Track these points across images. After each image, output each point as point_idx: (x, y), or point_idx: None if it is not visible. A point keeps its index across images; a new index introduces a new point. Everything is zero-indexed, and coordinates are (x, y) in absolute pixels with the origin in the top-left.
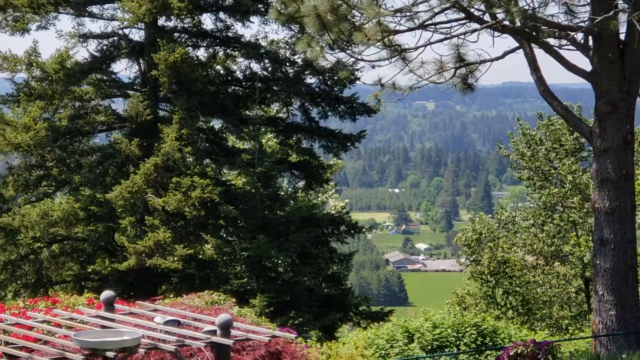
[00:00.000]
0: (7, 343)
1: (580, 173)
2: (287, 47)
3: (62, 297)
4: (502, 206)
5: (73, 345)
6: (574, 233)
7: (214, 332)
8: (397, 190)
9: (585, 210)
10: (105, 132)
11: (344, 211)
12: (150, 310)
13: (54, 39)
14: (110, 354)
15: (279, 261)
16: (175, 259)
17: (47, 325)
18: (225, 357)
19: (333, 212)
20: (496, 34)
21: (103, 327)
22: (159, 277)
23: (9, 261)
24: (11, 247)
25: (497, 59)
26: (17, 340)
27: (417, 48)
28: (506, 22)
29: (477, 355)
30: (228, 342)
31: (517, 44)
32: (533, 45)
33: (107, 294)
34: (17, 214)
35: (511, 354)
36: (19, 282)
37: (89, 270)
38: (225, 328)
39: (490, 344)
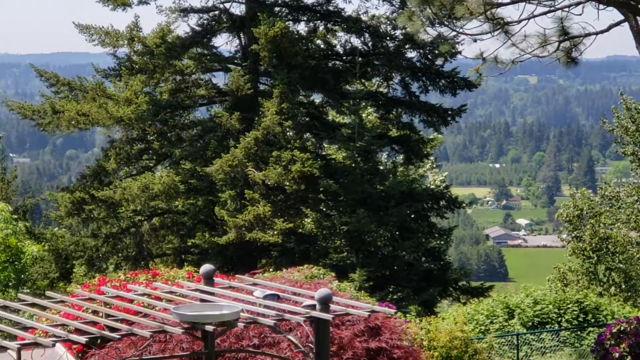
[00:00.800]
0: (108, 315)
1: None
2: (388, 22)
3: (162, 270)
4: (605, 182)
5: (173, 319)
6: None
7: (313, 307)
8: (497, 165)
9: None
10: (205, 106)
11: (444, 185)
12: (250, 284)
13: (154, 14)
14: (209, 328)
15: (379, 235)
16: (275, 232)
17: (147, 298)
18: (325, 332)
19: (432, 186)
20: (601, 6)
21: (202, 300)
22: (259, 251)
23: (110, 234)
24: (112, 220)
25: (602, 32)
26: (117, 312)
27: (520, 21)
28: None
29: (579, 332)
30: (327, 316)
31: (622, 17)
32: (639, 18)
33: (206, 267)
34: (119, 187)
35: (614, 331)
36: (120, 254)
37: (189, 243)
38: (325, 303)
39: (592, 320)
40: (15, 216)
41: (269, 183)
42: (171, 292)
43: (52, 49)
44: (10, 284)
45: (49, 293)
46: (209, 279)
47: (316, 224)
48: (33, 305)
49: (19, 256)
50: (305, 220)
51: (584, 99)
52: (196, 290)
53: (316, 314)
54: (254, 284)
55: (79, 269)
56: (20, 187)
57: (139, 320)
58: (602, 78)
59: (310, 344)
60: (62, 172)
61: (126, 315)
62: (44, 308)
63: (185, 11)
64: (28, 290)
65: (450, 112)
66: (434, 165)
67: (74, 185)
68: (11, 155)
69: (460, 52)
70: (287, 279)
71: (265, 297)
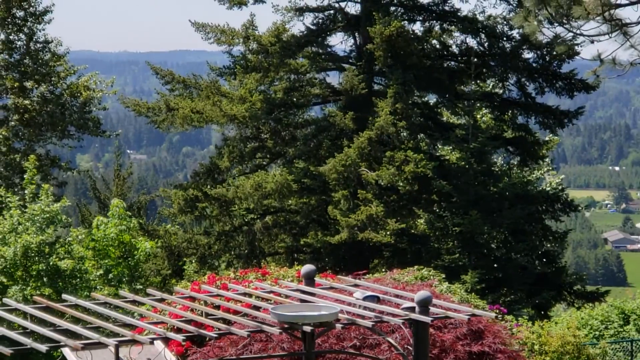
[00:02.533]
0: (207, 314)
1: None
2: (504, 22)
3: (272, 269)
4: None
5: (271, 319)
6: None
7: (412, 309)
8: (617, 168)
9: None
10: (319, 105)
11: (560, 188)
12: (351, 285)
13: (270, 12)
14: (307, 328)
15: (491, 237)
16: (387, 233)
17: (247, 298)
18: (424, 335)
19: (548, 188)
20: None
21: (302, 301)
22: (371, 251)
23: (223, 232)
24: (225, 218)
25: None
26: (217, 312)
27: (639, 23)
28: None
29: None
30: (426, 319)
31: None
32: None
33: (307, 268)
34: (232, 185)
35: None
36: (232, 252)
37: (301, 242)
38: (424, 305)
39: None
40: (130, 213)
41: (382, 183)
42: (271, 292)
43: (170, 47)
44: (124, 279)
45: (149, 291)
46: (309, 279)
47: (428, 224)
48: (133, 302)
49: (132, 252)
50: (418, 221)
51: None
52: (297, 290)
53: (415, 316)
54: (355, 285)
55: (190, 265)
56: (136, 183)
57: (238, 320)
58: None
59: (409, 347)
60: (177, 169)
61: (225, 314)
62: (144, 305)
63: (301, 10)
64: (141, 287)
65: (566, 114)
66: (551, 168)
67: (187, 183)
68: (128, 152)
69: (578, 53)
70: (390, 281)
71: (365, 298)
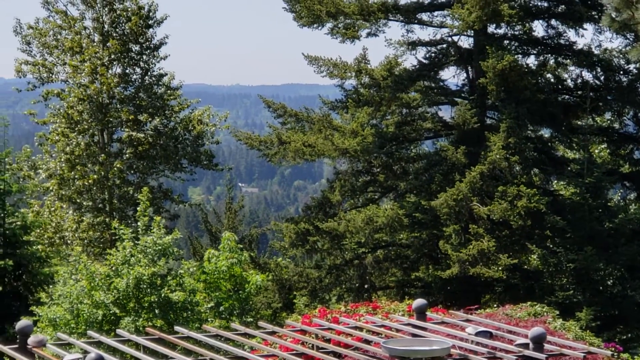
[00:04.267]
0: (318, 348)
1: None
2: (621, 55)
3: (383, 302)
4: None
5: (382, 353)
6: None
7: (526, 346)
8: None
9: None
10: (431, 139)
11: None
12: (463, 320)
13: (382, 46)
14: None
15: (607, 274)
16: (499, 268)
17: (358, 331)
18: None
19: None
20: None
21: (414, 335)
22: (482, 286)
23: (334, 265)
24: (336, 252)
25: None
26: (327, 345)
27: None
28: None
29: None
30: (540, 356)
31: None
32: None
33: (419, 302)
34: (343, 219)
35: None
36: (343, 286)
37: (412, 276)
38: (538, 342)
39: None
40: (241, 245)
41: (493, 218)
42: (383, 326)
43: (282, 81)
44: (235, 312)
45: (260, 323)
46: (421, 313)
47: (542, 260)
48: (244, 335)
49: (243, 285)
50: (531, 256)
51: None
52: (408, 324)
53: (529, 353)
54: (467, 320)
55: (300, 299)
56: (247, 216)
57: (348, 353)
58: None
59: None
60: (289, 203)
61: (336, 347)
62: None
63: (414, 44)
64: (251, 319)
65: None
66: None
67: (298, 217)
68: (240, 185)
69: None
70: (502, 316)
71: (478, 333)
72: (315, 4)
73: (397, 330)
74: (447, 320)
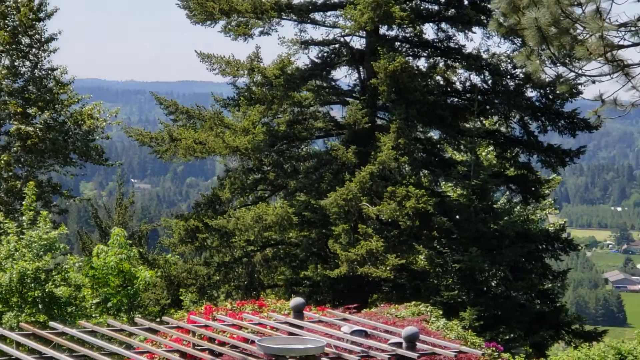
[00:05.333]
0: (194, 345)
1: None
2: (508, 60)
3: (269, 301)
4: None
5: (257, 350)
6: None
7: (400, 345)
8: (619, 209)
9: None
10: (322, 139)
11: (559, 227)
12: (340, 319)
13: (275, 45)
14: None
15: (491, 275)
16: (387, 268)
17: (237, 329)
18: None
19: (551, 228)
20: None
21: (290, 333)
22: (370, 285)
23: (222, 263)
24: (225, 249)
25: None
26: (203, 342)
27: None
28: None
29: None
30: (413, 355)
31: None
32: None
33: (296, 300)
34: (233, 216)
35: None
36: (231, 284)
37: (301, 275)
38: (411, 341)
39: None
40: (131, 241)
41: (382, 218)
42: (260, 325)
43: (177, 77)
44: (123, 308)
45: (137, 320)
46: (298, 312)
47: (428, 260)
48: (120, 331)
49: (132, 281)
50: (418, 257)
51: None
52: (285, 323)
53: (402, 351)
54: (344, 319)
55: (187, 295)
56: (139, 212)
57: (224, 351)
58: None
59: None
60: (181, 199)
61: (211, 345)
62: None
63: (307, 43)
64: (139, 315)
65: (568, 153)
66: (554, 207)
67: (188, 213)
68: (132, 180)
69: (582, 93)
70: (381, 316)
71: (353, 332)
72: (209, 1)
73: (276, 329)
74: (324, 319)
